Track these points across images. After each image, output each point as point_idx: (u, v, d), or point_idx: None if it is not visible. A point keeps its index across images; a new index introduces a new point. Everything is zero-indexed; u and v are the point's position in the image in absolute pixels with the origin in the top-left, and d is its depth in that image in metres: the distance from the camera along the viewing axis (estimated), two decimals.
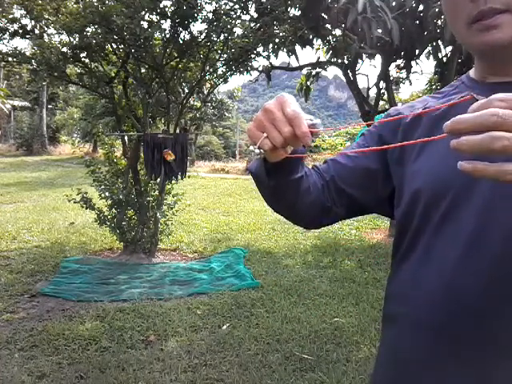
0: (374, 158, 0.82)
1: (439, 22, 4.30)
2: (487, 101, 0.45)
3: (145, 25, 4.36)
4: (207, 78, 5.31)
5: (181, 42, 4.55)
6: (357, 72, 5.86)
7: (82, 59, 4.78)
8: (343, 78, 5.97)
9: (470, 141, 0.44)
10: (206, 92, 6.11)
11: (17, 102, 21.50)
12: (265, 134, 0.63)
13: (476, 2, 0.65)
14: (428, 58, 5.44)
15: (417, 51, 5.13)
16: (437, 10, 3.89)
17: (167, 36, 4.53)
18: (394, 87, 6.44)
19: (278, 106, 0.63)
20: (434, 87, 7.82)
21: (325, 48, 5.91)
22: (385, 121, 0.83)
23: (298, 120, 0.60)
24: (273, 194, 0.81)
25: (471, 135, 0.44)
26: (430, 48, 5.16)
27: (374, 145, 0.83)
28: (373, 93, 6.30)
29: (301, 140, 0.61)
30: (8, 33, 4.56)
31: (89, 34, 4.42)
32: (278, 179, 0.76)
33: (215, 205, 9.05)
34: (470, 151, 0.44)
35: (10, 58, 4.77)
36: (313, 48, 5.59)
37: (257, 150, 0.64)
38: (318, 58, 6.29)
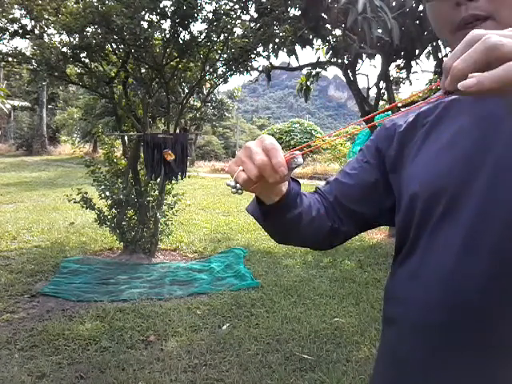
0: (374, 169, 0.84)
1: None
2: (478, 34, 0.44)
3: (145, 25, 4.36)
4: (207, 78, 5.31)
5: (181, 41, 4.55)
6: (357, 72, 5.85)
7: (82, 59, 4.78)
8: (343, 78, 5.96)
9: (491, 75, 0.42)
10: (205, 92, 6.11)
11: (17, 102, 21.49)
12: (240, 168, 0.64)
13: (458, 9, 0.66)
14: (428, 58, 5.44)
15: (417, 51, 5.13)
16: None
17: (167, 36, 4.53)
18: (393, 87, 6.44)
19: (256, 143, 0.64)
20: (434, 87, 7.81)
21: (325, 48, 5.90)
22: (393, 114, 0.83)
23: (274, 151, 0.62)
24: (273, 231, 0.84)
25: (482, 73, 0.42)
26: (430, 48, 5.16)
27: (372, 158, 0.85)
28: (373, 93, 6.30)
29: (276, 170, 0.61)
30: (8, 33, 4.56)
31: (89, 34, 4.41)
32: (276, 219, 0.77)
33: (215, 205, 9.05)
34: (496, 86, 0.42)
35: (9, 58, 4.77)
36: (313, 48, 5.58)
37: (232, 183, 0.65)
38: (318, 58, 6.28)
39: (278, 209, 0.75)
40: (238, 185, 0.65)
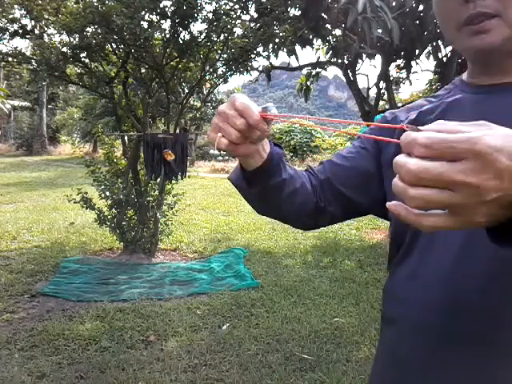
0: (370, 159, 0.83)
1: None
2: (410, 143, 0.41)
3: (145, 25, 4.36)
4: (207, 78, 5.31)
5: (181, 42, 4.55)
6: (357, 72, 5.85)
7: (82, 59, 4.78)
8: (343, 78, 5.96)
9: (395, 186, 0.43)
10: (205, 92, 6.11)
11: (17, 102, 21.48)
12: (220, 134, 0.64)
13: (466, 6, 0.66)
14: (428, 58, 5.44)
15: (417, 51, 5.13)
16: None
17: (167, 36, 4.54)
18: (393, 87, 6.44)
19: (229, 106, 0.64)
20: (434, 87, 7.82)
21: (325, 48, 5.91)
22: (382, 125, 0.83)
23: (247, 110, 0.62)
24: (256, 200, 0.83)
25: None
26: (430, 48, 5.17)
27: (370, 146, 0.84)
28: (373, 93, 6.30)
29: (256, 128, 0.62)
30: (8, 33, 4.56)
31: (89, 34, 4.42)
32: (259, 185, 0.76)
33: (215, 205, 9.05)
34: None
35: (9, 58, 4.77)
36: (313, 48, 5.58)
37: (216, 152, 0.65)
38: (318, 57, 6.29)
39: (262, 173, 0.74)
40: (221, 152, 0.65)
